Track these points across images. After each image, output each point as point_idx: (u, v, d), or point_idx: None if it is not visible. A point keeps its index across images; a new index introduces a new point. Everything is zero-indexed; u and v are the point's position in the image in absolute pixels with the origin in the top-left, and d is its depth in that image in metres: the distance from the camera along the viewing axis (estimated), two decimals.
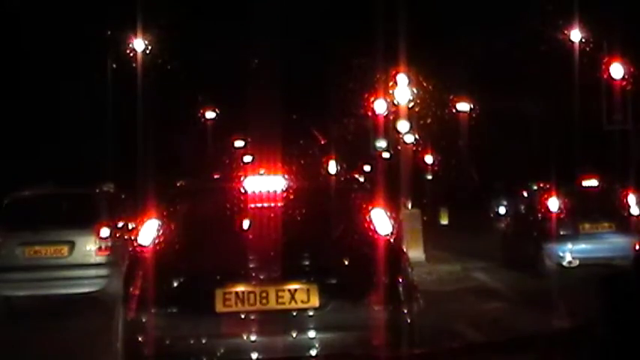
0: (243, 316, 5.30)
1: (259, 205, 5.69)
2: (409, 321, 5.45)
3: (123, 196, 13.07)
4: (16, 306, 11.40)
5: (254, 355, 5.32)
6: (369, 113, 23.20)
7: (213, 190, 6.32)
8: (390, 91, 21.46)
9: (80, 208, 11.71)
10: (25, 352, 8.51)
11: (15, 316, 11.22)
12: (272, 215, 5.66)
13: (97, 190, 12.36)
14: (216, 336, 5.34)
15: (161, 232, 5.66)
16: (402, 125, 21.28)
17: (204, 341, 5.28)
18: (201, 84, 36.36)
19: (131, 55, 27.64)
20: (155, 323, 5.38)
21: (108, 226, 11.41)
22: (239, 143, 55.79)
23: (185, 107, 36.87)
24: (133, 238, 6.43)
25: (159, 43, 28.99)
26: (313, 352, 5.24)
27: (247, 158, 61.11)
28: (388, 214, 5.83)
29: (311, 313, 5.32)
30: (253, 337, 5.30)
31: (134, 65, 27.07)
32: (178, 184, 6.84)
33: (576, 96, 26.25)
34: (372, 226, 5.65)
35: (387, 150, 20.95)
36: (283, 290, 5.31)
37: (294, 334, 5.28)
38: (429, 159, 38.35)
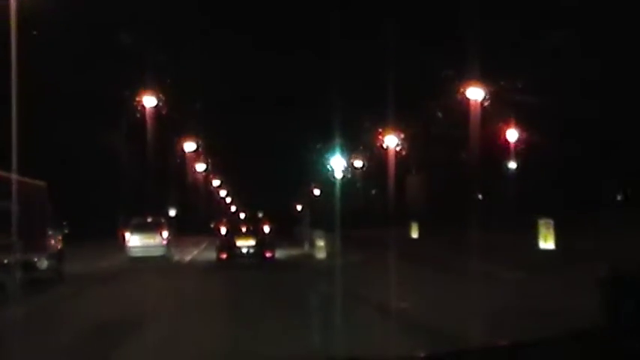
0: (241, 245, 31.57)
1: (245, 222, 34.10)
2: (272, 246, 31.99)
3: (165, 220, 37.92)
4: (134, 261, 32.34)
5: (244, 253, 31.20)
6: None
7: (233, 218, 43.34)
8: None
9: (156, 224, 35.38)
10: (140, 277, 25.59)
11: (133, 264, 31.44)
12: (248, 224, 33.13)
13: (161, 218, 37.51)
14: (235, 249, 31.36)
15: (224, 228, 32.61)
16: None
17: (234, 251, 31.23)
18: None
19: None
20: (223, 246, 31.35)
21: (166, 230, 35.03)
22: (190, 146, 48.44)
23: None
24: (218, 229, 32.48)
25: None
26: (253, 253, 31.08)
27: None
28: (269, 226, 32.15)
29: (254, 246, 31.52)
30: (243, 251, 31.43)
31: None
32: (224, 219, 36.31)
33: None
34: (265, 227, 32.26)
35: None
36: (249, 240, 31.63)
37: (250, 250, 31.41)
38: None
